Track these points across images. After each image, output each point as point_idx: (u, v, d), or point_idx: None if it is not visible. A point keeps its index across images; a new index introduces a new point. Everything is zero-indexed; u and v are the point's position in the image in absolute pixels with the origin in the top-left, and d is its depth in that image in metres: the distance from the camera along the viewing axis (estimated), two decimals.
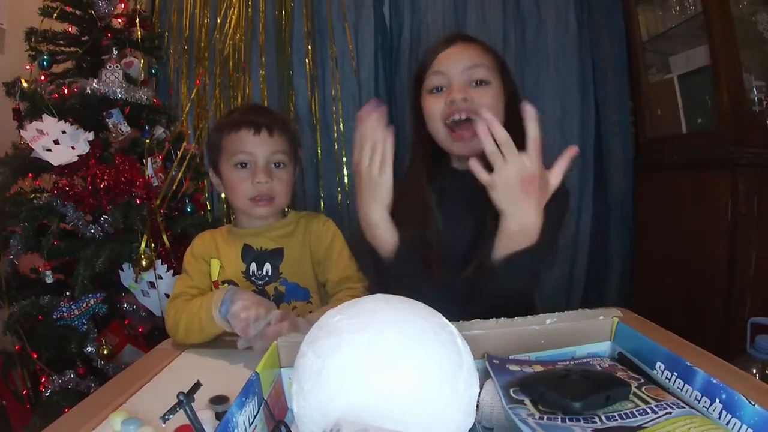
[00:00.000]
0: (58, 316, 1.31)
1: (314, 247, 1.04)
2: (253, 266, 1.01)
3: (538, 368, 0.56)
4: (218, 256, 1.02)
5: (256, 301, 0.80)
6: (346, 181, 1.99)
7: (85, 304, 1.32)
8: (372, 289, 1.02)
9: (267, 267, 1.01)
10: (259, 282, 1.01)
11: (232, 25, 1.96)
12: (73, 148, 1.33)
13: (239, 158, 0.97)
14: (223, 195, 1.97)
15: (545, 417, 0.46)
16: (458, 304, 0.72)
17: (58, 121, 1.35)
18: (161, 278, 1.39)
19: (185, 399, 0.44)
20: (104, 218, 1.37)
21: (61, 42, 1.52)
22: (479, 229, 0.92)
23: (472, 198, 0.91)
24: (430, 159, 1.01)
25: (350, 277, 1.03)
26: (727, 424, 0.43)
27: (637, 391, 0.49)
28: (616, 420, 0.45)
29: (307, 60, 1.97)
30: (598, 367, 0.57)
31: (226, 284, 1.00)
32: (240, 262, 1.01)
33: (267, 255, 1.02)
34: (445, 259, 0.94)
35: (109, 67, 1.48)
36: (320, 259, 1.04)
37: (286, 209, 1.08)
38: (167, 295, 1.39)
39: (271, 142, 0.97)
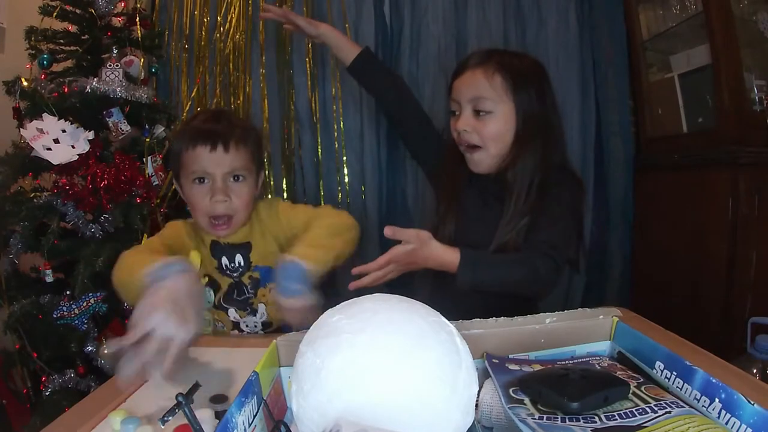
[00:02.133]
0: (58, 315, 1.30)
1: (274, 232, 1.03)
2: (225, 260, 1.02)
3: (538, 368, 0.56)
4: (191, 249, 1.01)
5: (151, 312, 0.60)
6: (346, 180, 1.99)
7: (85, 303, 1.32)
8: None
9: (239, 258, 1.01)
10: (234, 274, 1.02)
11: (232, 24, 1.96)
12: (73, 146, 1.33)
13: (197, 176, 0.95)
14: None
15: (545, 417, 0.46)
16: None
17: (58, 119, 1.35)
18: None
19: (184, 400, 0.44)
20: (104, 217, 1.37)
21: (61, 41, 1.52)
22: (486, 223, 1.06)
23: (483, 196, 1.11)
24: (461, 161, 1.12)
25: (318, 215, 0.99)
26: (727, 423, 0.43)
27: (637, 391, 0.49)
28: (616, 419, 0.45)
29: (307, 59, 1.97)
30: (597, 366, 0.57)
31: (206, 277, 1.01)
32: (211, 259, 1.02)
33: (236, 248, 1.02)
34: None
35: (109, 65, 1.48)
36: (288, 238, 1.01)
37: None
38: None
39: (227, 158, 0.94)
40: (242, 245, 1.02)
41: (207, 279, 1.02)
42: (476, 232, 1.07)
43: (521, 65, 1.06)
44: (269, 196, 1.89)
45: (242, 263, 1.02)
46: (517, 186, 1.02)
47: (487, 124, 1.03)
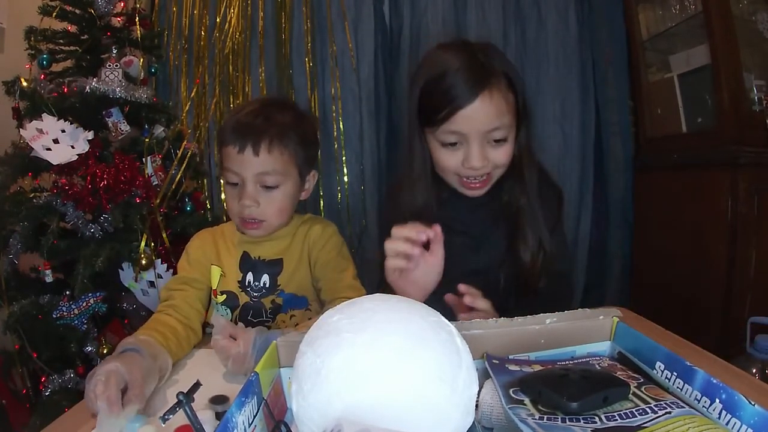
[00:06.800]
0: (58, 315, 1.30)
1: (312, 252, 0.99)
2: (250, 276, 0.95)
3: (538, 368, 0.55)
4: (219, 262, 0.97)
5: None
6: (346, 179, 1.99)
7: (84, 304, 1.32)
8: None
9: (265, 279, 0.96)
10: (255, 294, 0.96)
11: (231, 24, 1.96)
12: (72, 147, 1.32)
13: (228, 176, 0.91)
14: None
15: (545, 417, 0.46)
16: None
17: (58, 120, 1.34)
18: (161, 277, 1.39)
19: (185, 399, 0.44)
20: (104, 217, 1.36)
21: (61, 41, 1.51)
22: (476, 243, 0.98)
23: (470, 216, 0.99)
24: (435, 185, 0.98)
25: (348, 287, 0.95)
26: (727, 424, 0.43)
27: (637, 391, 0.49)
28: (616, 420, 0.45)
29: (306, 59, 1.97)
30: (597, 366, 0.57)
31: (224, 295, 0.95)
32: (237, 271, 0.96)
33: (265, 266, 0.96)
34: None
35: (109, 66, 1.48)
36: (315, 264, 0.98)
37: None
38: None
39: (256, 162, 0.87)
40: (273, 263, 0.96)
41: (225, 297, 0.95)
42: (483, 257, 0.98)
43: (509, 60, 0.92)
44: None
45: (267, 284, 0.95)
46: (529, 195, 0.95)
47: (500, 152, 0.90)
